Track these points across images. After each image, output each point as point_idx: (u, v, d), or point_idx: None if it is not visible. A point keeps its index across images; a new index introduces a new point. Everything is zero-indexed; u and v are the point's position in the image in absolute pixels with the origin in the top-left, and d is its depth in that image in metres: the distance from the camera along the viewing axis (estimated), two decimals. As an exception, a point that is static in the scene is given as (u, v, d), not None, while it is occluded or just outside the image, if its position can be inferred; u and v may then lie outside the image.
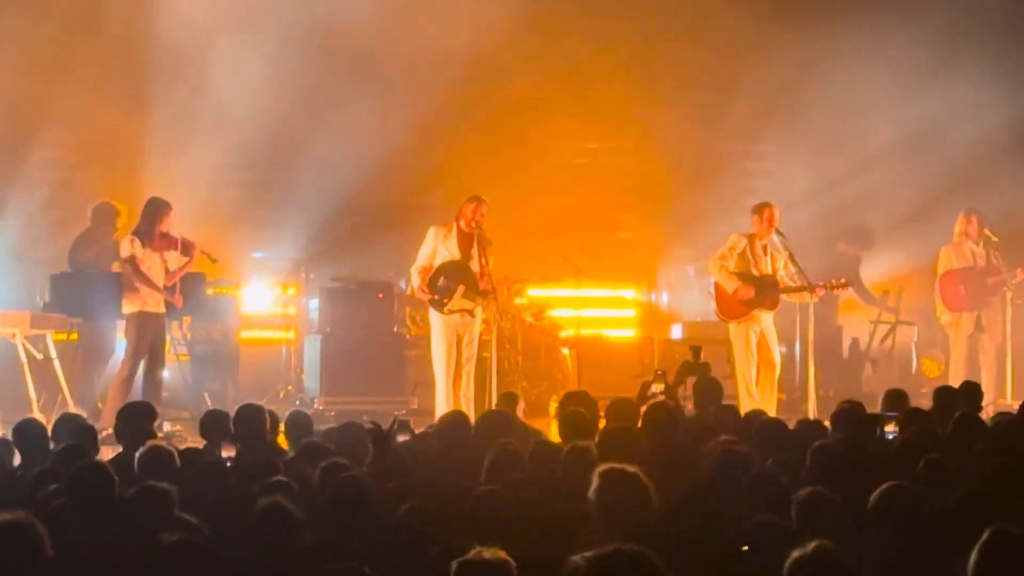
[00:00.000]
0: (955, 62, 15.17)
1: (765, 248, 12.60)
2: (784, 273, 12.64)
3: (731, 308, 12.56)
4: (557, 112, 16.50)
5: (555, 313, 15.12)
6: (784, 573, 4.60)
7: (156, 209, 12.38)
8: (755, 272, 12.49)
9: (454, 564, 4.58)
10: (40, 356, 12.58)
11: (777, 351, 12.57)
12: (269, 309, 15.79)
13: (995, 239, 13.99)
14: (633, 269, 15.73)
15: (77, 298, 12.92)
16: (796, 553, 4.60)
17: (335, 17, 14.91)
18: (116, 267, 13.00)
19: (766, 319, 12.54)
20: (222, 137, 15.16)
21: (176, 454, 7.18)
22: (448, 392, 12.14)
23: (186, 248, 12.51)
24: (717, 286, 12.59)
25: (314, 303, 15.29)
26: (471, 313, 12.20)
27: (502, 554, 4.59)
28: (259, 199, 17.04)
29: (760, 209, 12.57)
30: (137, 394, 12.11)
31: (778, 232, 12.63)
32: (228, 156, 15.65)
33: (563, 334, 14.99)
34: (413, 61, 15.22)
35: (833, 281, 12.83)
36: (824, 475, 6.47)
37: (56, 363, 12.60)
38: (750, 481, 6.25)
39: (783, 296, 12.61)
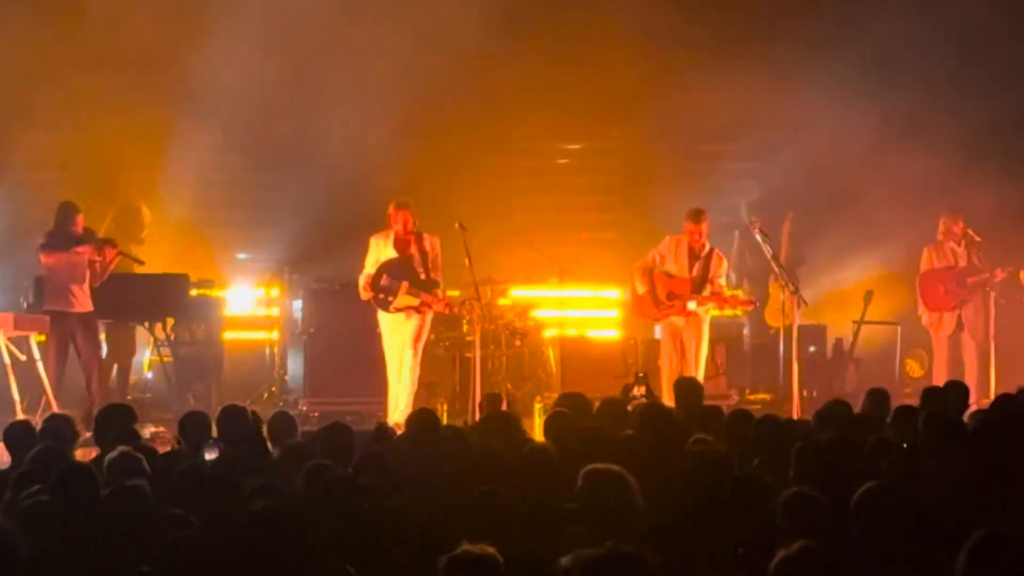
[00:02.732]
0: (935, 60, 15.22)
1: (700, 251, 12.52)
2: (724, 280, 12.61)
3: (644, 309, 12.65)
4: (539, 112, 16.52)
5: (539, 313, 15.11)
6: (770, 573, 4.61)
7: (66, 212, 12.66)
8: (670, 276, 12.49)
9: (443, 560, 4.61)
10: (23, 357, 12.57)
11: (694, 354, 12.43)
12: (253, 310, 15.76)
13: (977, 239, 14.00)
14: (616, 269, 15.69)
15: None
16: (782, 553, 4.61)
17: (316, 20, 14.93)
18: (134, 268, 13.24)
19: (689, 321, 12.48)
20: (205, 139, 15.16)
21: (145, 459, 7.12)
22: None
23: (100, 245, 12.70)
24: (633, 288, 12.72)
25: (298, 304, 15.25)
26: (417, 309, 12.23)
27: (490, 550, 4.62)
28: (243, 201, 17.04)
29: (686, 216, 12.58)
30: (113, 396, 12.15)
31: (762, 233, 12.64)
32: (212, 158, 15.65)
33: (547, 334, 14.98)
34: (396, 63, 15.22)
35: (741, 296, 12.79)
36: (810, 475, 6.48)
37: (40, 364, 12.58)
38: (734, 482, 6.25)
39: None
